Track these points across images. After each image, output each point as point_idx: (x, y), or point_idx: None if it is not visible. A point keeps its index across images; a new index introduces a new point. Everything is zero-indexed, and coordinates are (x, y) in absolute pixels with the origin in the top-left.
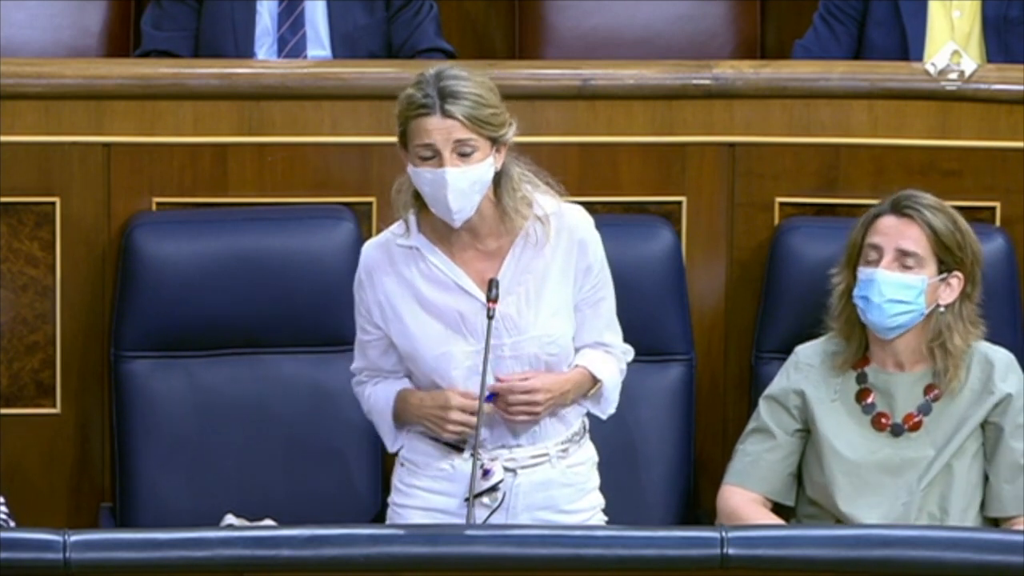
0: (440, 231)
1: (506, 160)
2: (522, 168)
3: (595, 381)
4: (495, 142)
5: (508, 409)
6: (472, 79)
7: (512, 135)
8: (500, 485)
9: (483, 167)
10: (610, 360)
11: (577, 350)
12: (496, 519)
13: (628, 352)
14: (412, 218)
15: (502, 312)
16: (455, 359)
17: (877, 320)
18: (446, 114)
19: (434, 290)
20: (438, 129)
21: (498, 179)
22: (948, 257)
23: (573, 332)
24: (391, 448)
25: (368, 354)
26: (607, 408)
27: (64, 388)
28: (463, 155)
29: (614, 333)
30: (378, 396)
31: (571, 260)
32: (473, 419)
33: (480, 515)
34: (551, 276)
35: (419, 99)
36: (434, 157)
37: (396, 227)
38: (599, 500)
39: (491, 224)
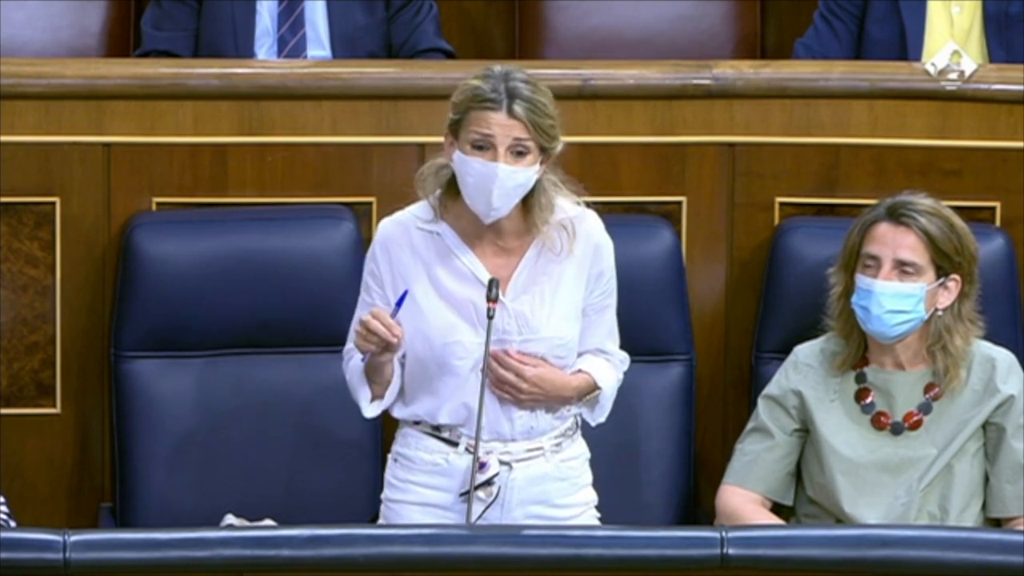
0: (463, 222)
1: None
2: (552, 176)
3: (595, 387)
4: (544, 152)
5: (495, 382)
6: (537, 86)
7: (559, 150)
8: (495, 479)
9: (530, 172)
10: (610, 369)
11: (578, 355)
12: (491, 513)
13: (625, 361)
14: (437, 203)
15: (516, 310)
16: (464, 348)
17: (878, 330)
18: (512, 114)
19: (451, 278)
20: (500, 125)
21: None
22: (945, 262)
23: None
24: (366, 412)
25: None
26: (599, 416)
27: (64, 388)
28: (518, 154)
29: (614, 341)
30: (356, 359)
31: (585, 264)
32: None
33: (475, 509)
34: (566, 279)
35: (487, 92)
36: (488, 150)
37: (418, 208)
38: (592, 496)
39: (514, 223)
